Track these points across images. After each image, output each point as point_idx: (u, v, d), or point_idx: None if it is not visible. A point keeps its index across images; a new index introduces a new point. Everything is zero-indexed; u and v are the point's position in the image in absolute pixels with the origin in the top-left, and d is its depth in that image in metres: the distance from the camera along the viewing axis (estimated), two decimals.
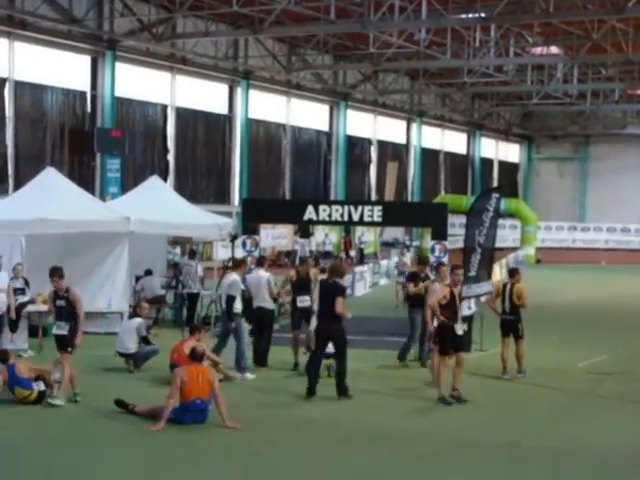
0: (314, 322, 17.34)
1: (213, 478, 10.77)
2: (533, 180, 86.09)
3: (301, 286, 18.57)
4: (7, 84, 40.10)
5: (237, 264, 18.63)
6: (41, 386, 14.49)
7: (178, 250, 38.39)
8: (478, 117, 77.10)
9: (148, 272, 24.34)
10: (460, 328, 15.37)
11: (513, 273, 18.84)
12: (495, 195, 25.95)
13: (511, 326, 17.77)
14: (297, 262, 21.49)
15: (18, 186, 32.49)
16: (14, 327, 19.69)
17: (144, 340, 17.88)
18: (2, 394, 15.00)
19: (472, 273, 19.73)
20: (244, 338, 17.44)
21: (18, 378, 14.43)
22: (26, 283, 20.14)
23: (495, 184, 75.99)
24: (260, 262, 19.20)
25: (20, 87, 40.72)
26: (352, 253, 55.24)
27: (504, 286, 18.32)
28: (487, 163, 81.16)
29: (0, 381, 15.07)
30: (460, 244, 31.96)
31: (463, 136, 77.64)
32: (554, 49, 51.65)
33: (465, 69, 55.11)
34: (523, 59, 51.97)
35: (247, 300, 19.40)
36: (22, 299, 19.98)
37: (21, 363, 14.80)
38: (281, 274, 21.17)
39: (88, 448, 12.06)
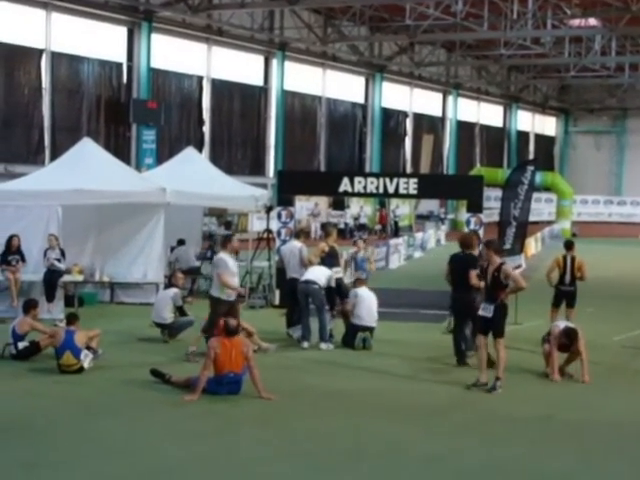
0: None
1: (247, 447, 10.82)
2: (569, 153, 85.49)
3: (332, 257, 18.61)
4: (44, 55, 40.24)
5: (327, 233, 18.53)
6: (87, 360, 14.63)
7: (214, 221, 38.50)
8: (515, 90, 76.53)
9: (181, 242, 24.44)
10: (483, 309, 14.34)
11: (571, 245, 18.74)
12: (531, 168, 25.88)
13: (569, 297, 18.14)
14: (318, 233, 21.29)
15: (55, 157, 32.69)
16: (51, 297, 19.85)
17: (180, 310, 17.94)
18: (42, 362, 15.19)
19: (507, 246, 19.76)
20: (325, 309, 17.42)
21: (74, 344, 14.57)
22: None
23: (531, 157, 75.46)
24: (298, 234, 19.46)
25: (57, 58, 40.85)
26: (377, 227, 55.21)
27: (564, 258, 18.30)
28: (523, 136, 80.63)
29: (47, 343, 15.27)
30: (495, 217, 31.89)
31: (499, 109, 77.14)
32: (592, 21, 51.15)
33: (502, 41, 54.63)
34: (561, 31, 51.41)
35: (280, 271, 19.51)
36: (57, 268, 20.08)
37: (82, 332, 14.92)
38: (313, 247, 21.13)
39: (123, 417, 12.16)
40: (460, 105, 70.26)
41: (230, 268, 15.63)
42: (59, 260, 20.11)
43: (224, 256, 15.76)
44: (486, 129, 74.93)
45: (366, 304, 17.47)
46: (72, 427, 11.60)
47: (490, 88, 72.30)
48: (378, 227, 55.38)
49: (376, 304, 17.66)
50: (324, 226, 19.51)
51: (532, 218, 29.02)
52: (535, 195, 30.79)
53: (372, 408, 12.93)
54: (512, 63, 64.81)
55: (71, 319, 15.27)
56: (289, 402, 13.07)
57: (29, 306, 16.06)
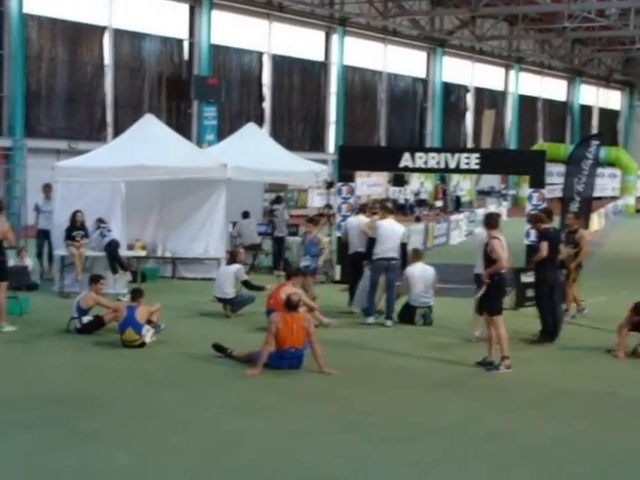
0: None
1: (309, 421, 10.86)
2: (634, 128, 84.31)
3: None
4: (106, 32, 40.53)
5: (389, 210, 18.21)
6: (148, 335, 14.78)
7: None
8: (578, 63, 75.60)
9: (246, 214, 24.50)
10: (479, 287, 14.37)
11: None
12: (595, 143, 25.63)
13: None
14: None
15: (117, 134, 32.94)
16: (114, 270, 20.03)
17: (246, 284, 18.01)
18: (105, 336, 15.38)
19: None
20: (393, 287, 17.40)
21: (135, 320, 14.73)
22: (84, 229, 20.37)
23: (594, 132, 74.58)
24: (362, 209, 19.41)
25: (119, 35, 41.16)
26: (438, 203, 54.99)
27: None
28: (587, 110, 79.70)
29: (111, 317, 15.46)
30: (557, 193, 31.66)
31: (562, 83, 76.29)
32: None
33: (565, 14, 54.03)
34: (626, 2, 50.65)
35: (343, 245, 19.49)
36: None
37: (143, 308, 15.07)
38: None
39: (186, 390, 12.27)
40: (522, 79, 69.60)
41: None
42: (109, 230, 20.19)
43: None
44: (549, 103, 74.18)
45: (419, 284, 17.34)
46: (135, 400, 11.74)
47: (553, 62, 71.47)
48: (439, 203, 55.14)
49: (432, 279, 17.45)
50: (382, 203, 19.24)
51: (596, 194, 28.73)
52: (598, 170, 30.48)
53: (433, 384, 12.92)
54: (576, 36, 63.92)
55: (135, 295, 15.42)
56: (350, 377, 13.09)
57: (93, 281, 16.25)
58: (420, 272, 17.44)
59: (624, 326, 14.84)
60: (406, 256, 18.40)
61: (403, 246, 17.80)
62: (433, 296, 17.43)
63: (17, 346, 14.88)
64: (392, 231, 17.28)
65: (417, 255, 18.02)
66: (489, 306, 13.92)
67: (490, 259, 13.80)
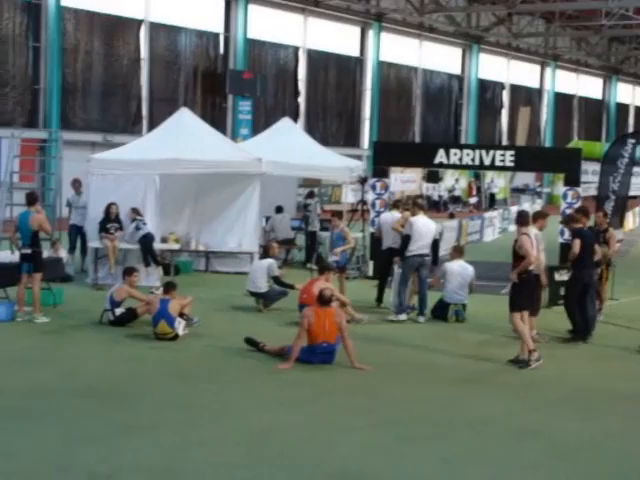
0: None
1: (340, 415, 10.86)
2: None
3: None
4: (143, 26, 40.70)
5: (420, 206, 18.13)
6: (180, 327, 14.84)
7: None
8: (615, 61, 75.13)
9: (279, 209, 24.53)
10: None
11: None
12: (631, 141, 25.47)
13: None
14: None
15: (152, 127, 33.11)
16: (147, 263, 20.08)
17: (276, 280, 18.03)
18: (138, 328, 15.45)
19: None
20: (425, 284, 17.39)
21: (168, 313, 14.78)
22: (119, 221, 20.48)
23: (630, 130, 74.06)
24: (395, 205, 19.40)
25: (155, 29, 41.33)
26: (472, 200, 54.78)
27: None
28: (623, 108, 79.20)
29: (144, 310, 15.53)
30: (592, 192, 31.46)
31: (599, 81, 75.86)
32: None
33: (603, 11, 53.66)
34: None
35: (376, 241, 19.45)
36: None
37: (176, 301, 15.13)
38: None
39: (218, 383, 12.31)
40: (558, 77, 69.28)
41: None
42: (145, 224, 20.26)
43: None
44: (585, 101, 73.79)
45: (456, 280, 17.32)
46: (168, 392, 11.78)
47: (589, 59, 71.07)
48: (474, 200, 54.94)
49: (470, 278, 17.45)
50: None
51: (631, 192, 28.53)
52: (634, 169, 30.25)
53: (464, 380, 12.88)
54: (613, 34, 63.54)
55: (168, 288, 15.48)
56: (382, 372, 13.08)
57: (127, 273, 16.33)
58: (459, 269, 17.43)
59: None
60: (437, 252, 18.38)
61: (434, 242, 17.77)
62: (468, 295, 17.39)
63: (50, 337, 14.98)
64: (426, 228, 17.24)
65: (458, 252, 18.03)
66: (509, 300, 13.91)
67: (518, 255, 13.77)
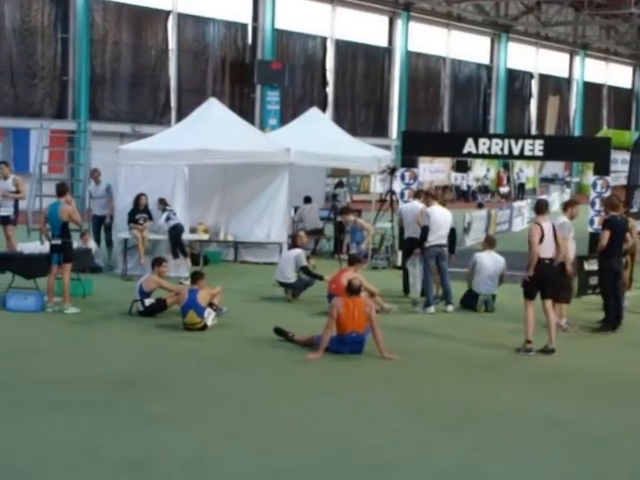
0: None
1: (370, 405, 10.86)
2: None
3: None
4: (171, 16, 40.76)
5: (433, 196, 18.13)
6: (210, 318, 14.86)
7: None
8: None
9: (308, 199, 24.50)
10: None
11: None
12: None
13: None
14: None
15: (180, 118, 33.16)
16: (175, 254, 20.12)
17: (304, 270, 18.00)
18: (167, 319, 15.49)
19: (635, 209, 19.28)
20: (447, 274, 17.36)
21: (197, 303, 14.80)
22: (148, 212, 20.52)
23: None
24: (418, 194, 19.33)
25: (183, 19, 41.39)
26: (503, 189, 54.56)
27: None
28: None
29: (173, 300, 15.56)
30: (622, 181, 31.22)
31: (628, 69, 75.32)
32: None
33: None
34: None
35: (402, 231, 19.42)
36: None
37: (205, 291, 15.14)
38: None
39: (248, 373, 12.32)
40: (587, 66, 68.86)
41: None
42: (175, 214, 20.30)
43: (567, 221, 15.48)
44: (614, 90, 73.30)
45: (487, 272, 17.26)
46: (198, 382, 11.81)
47: (619, 48, 70.61)
48: (504, 189, 54.69)
49: (501, 269, 17.40)
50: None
51: None
52: None
53: (492, 371, 12.86)
54: None
55: (196, 277, 15.49)
56: (411, 362, 13.06)
57: (156, 263, 16.37)
58: (490, 260, 17.38)
59: None
60: (455, 241, 18.31)
61: (451, 231, 17.72)
62: (498, 286, 17.34)
63: (80, 328, 15.04)
64: (443, 217, 17.20)
65: (490, 242, 18.01)
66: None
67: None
